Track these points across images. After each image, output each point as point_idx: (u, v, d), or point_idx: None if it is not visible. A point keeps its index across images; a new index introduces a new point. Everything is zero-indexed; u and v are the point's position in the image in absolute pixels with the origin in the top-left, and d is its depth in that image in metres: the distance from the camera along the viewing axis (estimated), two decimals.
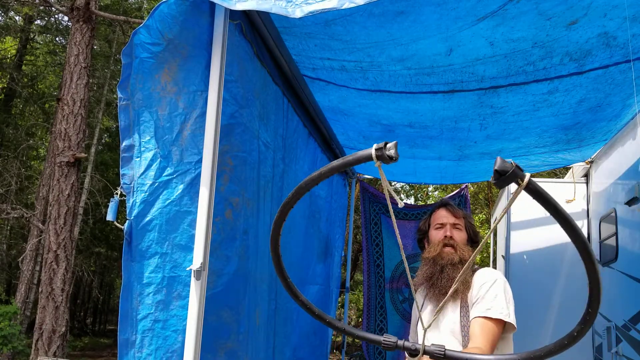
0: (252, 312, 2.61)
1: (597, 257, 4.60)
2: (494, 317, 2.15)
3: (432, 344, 1.33)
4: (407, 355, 1.41)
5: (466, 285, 2.32)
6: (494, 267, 6.34)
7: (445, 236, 2.43)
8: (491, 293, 2.23)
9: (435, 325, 2.37)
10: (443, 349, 1.31)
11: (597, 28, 2.72)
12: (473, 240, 2.54)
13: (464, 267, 2.30)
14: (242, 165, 2.48)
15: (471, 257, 1.51)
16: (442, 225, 2.50)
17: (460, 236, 2.45)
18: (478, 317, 2.18)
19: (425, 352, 1.35)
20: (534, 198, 1.00)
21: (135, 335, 2.14)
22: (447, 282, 2.31)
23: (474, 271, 2.40)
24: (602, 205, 4.55)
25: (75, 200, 7.66)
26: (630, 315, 3.63)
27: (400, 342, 1.36)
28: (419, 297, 2.65)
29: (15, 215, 11.23)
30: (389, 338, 1.36)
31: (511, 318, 2.18)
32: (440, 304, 2.11)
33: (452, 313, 2.32)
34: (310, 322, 4.04)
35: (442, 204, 2.59)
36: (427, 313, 2.47)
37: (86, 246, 17.36)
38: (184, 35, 2.19)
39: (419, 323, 2.52)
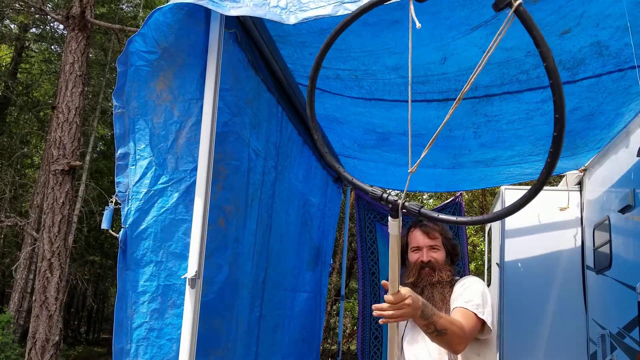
0: (240, 320, 2.61)
1: (591, 265, 4.62)
2: (471, 309, 2.24)
3: (411, 202, 1.45)
4: (389, 216, 1.51)
5: (444, 301, 2.39)
6: (489, 274, 6.35)
7: (422, 261, 2.48)
8: (469, 291, 2.34)
9: (420, 339, 2.43)
10: (418, 207, 1.42)
11: (589, 37, 2.75)
12: (452, 254, 2.58)
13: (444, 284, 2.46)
14: (235, 174, 2.48)
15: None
16: (419, 249, 2.53)
17: (438, 256, 2.50)
18: (457, 307, 2.27)
19: (403, 207, 1.44)
20: (523, 23, 1.13)
21: (129, 344, 2.13)
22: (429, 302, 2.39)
23: (453, 285, 2.47)
24: (595, 213, 4.56)
25: (69, 208, 7.63)
26: (624, 323, 3.64)
27: (385, 195, 1.48)
28: None
29: (9, 224, 11.18)
30: (375, 190, 1.49)
31: (485, 316, 2.26)
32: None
33: None
34: (299, 329, 4.03)
35: (417, 224, 2.60)
36: (409, 327, 2.54)
37: (80, 254, 17.28)
38: (180, 44, 2.20)
39: (403, 334, 2.61)
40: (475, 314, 2.24)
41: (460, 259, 5.43)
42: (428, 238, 2.52)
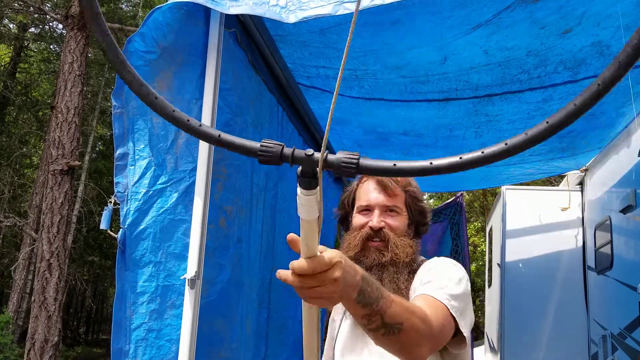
0: (245, 321, 2.59)
1: (592, 265, 4.61)
2: (442, 300, 1.43)
3: (340, 152, 0.84)
4: (299, 185, 0.89)
5: (397, 291, 1.57)
6: (490, 275, 6.34)
7: (371, 227, 1.66)
8: (441, 275, 1.55)
9: (360, 344, 1.64)
10: (356, 158, 0.82)
11: (590, 37, 2.74)
12: (419, 223, 1.76)
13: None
14: (236, 174, 2.47)
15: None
16: (368, 209, 1.70)
17: (396, 223, 1.67)
18: (422, 294, 1.46)
19: (329, 167, 0.84)
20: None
21: (128, 345, 2.12)
22: None
23: (414, 269, 1.66)
24: (597, 213, 4.55)
25: (68, 208, 7.62)
26: (625, 324, 3.63)
27: (287, 151, 0.85)
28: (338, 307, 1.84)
29: (8, 224, 11.17)
30: (268, 144, 0.85)
31: (461, 320, 1.44)
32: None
33: None
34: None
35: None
36: (346, 327, 1.73)
37: (79, 255, 17.28)
38: (179, 44, 2.19)
39: (336, 340, 1.77)
40: (448, 309, 1.41)
41: (461, 257, 5.45)
42: (384, 194, 1.69)
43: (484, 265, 8.27)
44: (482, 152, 0.75)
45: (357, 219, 1.71)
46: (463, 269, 1.62)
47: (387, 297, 1.17)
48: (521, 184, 5.85)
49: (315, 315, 1.17)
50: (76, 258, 16.81)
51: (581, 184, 5.05)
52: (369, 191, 1.72)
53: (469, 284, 1.58)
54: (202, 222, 2.08)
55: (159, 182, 2.18)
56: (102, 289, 27.18)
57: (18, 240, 16.18)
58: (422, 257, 1.73)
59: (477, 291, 15.70)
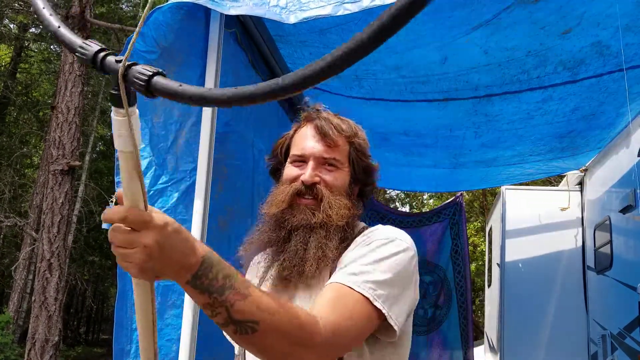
0: None
1: (592, 265, 4.61)
2: (358, 289, 1.17)
3: (144, 65, 0.74)
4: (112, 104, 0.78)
5: (323, 260, 1.32)
6: (489, 275, 6.34)
7: (303, 182, 1.37)
8: (371, 256, 1.25)
9: None
10: (151, 72, 0.72)
11: (590, 37, 2.74)
12: (363, 182, 1.48)
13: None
14: (237, 174, 2.47)
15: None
16: (302, 159, 1.41)
17: (333, 178, 1.39)
18: (335, 283, 1.20)
19: (125, 76, 0.73)
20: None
21: (130, 345, 2.12)
22: (296, 257, 1.33)
23: (351, 237, 1.39)
24: (596, 213, 4.56)
25: (69, 208, 7.62)
26: (625, 323, 3.63)
27: (103, 54, 0.76)
28: (252, 272, 1.59)
29: (8, 224, 11.17)
30: (90, 43, 0.77)
31: (389, 310, 1.19)
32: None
33: (307, 304, 1.27)
34: None
35: (311, 117, 1.46)
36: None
37: (80, 255, 17.29)
38: (179, 44, 2.19)
39: None
40: (367, 299, 1.16)
41: (461, 257, 5.45)
42: (323, 143, 1.40)
43: (484, 265, 8.27)
44: (256, 86, 0.65)
45: (289, 171, 1.43)
46: (404, 239, 1.32)
47: (240, 290, 0.96)
48: (521, 184, 5.86)
49: (146, 293, 0.93)
50: (76, 258, 16.81)
51: (581, 184, 5.06)
52: (305, 138, 1.43)
53: (412, 258, 1.29)
54: (202, 222, 2.08)
55: (160, 182, 2.18)
56: (103, 289, 27.19)
57: (18, 240, 16.19)
58: (363, 224, 1.46)
59: (477, 291, 15.71)
